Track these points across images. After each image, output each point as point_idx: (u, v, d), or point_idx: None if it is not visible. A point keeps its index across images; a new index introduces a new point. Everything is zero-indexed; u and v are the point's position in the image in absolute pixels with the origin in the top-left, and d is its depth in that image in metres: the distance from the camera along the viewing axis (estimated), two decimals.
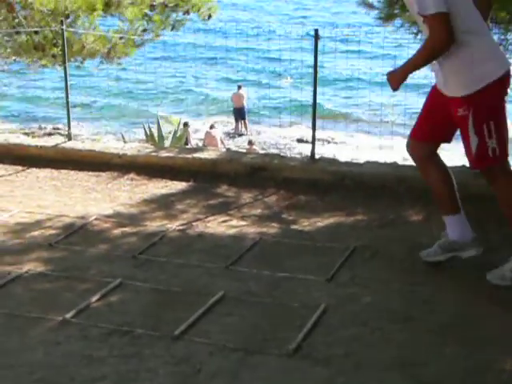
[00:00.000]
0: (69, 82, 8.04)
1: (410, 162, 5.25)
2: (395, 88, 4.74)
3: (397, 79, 4.71)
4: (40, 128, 23.96)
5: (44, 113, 27.97)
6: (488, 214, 5.58)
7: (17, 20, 9.87)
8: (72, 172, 7.00)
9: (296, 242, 5.35)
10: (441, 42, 4.39)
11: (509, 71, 4.61)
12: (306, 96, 13.36)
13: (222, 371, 3.65)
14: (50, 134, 19.75)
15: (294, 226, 5.64)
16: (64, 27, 8.19)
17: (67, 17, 9.36)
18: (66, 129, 8.07)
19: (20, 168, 7.19)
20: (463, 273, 4.81)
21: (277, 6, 62.39)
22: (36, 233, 5.60)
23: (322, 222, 5.66)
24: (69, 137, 7.84)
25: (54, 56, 10.58)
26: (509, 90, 4.66)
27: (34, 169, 7.15)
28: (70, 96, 8.04)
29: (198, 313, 4.20)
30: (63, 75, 8.15)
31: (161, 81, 27.77)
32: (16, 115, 27.28)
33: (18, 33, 10.24)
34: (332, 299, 4.38)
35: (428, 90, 5.01)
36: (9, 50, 10.67)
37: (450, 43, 4.33)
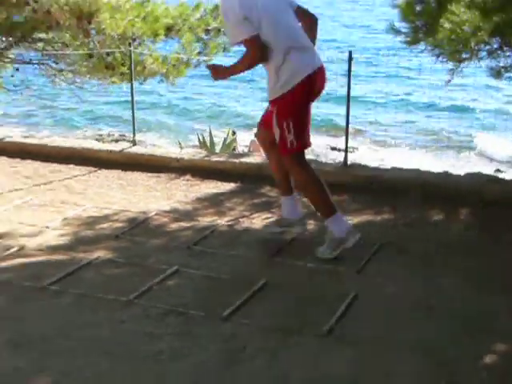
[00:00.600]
0: (134, 97, 8.04)
1: (430, 168, 5.25)
2: (215, 79, 5.22)
3: (219, 74, 5.12)
4: (108, 135, 24.14)
5: (112, 121, 28.16)
6: (499, 219, 5.53)
7: (92, 44, 9.91)
8: (136, 173, 7.01)
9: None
10: (254, 58, 4.79)
11: (311, 75, 4.77)
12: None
13: (263, 349, 3.64)
14: (117, 141, 19.86)
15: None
16: (131, 49, 8.21)
17: (134, 40, 9.37)
18: (131, 136, 8.08)
19: (92, 169, 7.21)
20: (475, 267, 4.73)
21: None
22: (105, 225, 5.62)
23: (352, 220, 5.59)
24: (134, 143, 7.86)
25: (122, 74, 10.63)
26: None
27: (104, 170, 7.17)
28: (135, 108, 8.06)
29: (244, 297, 4.18)
30: (130, 91, 8.20)
31: (212, 96, 27.99)
32: (89, 123, 27.49)
33: (91, 55, 10.30)
34: (361, 288, 4.33)
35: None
36: (84, 69, 10.73)
37: (262, 59, 4.74)
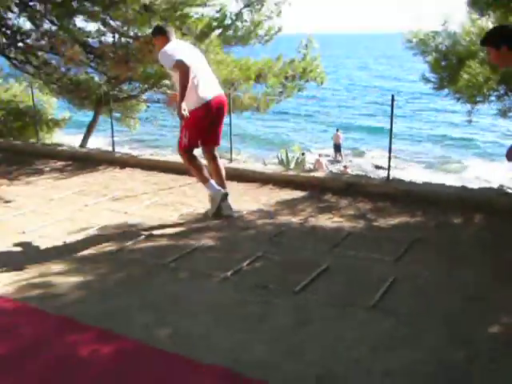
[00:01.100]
0: (232, 127, 8.08)
1: (456, 183, 5.13)
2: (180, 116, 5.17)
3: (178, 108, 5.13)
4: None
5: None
6: (507, 224, 5.34)
7: None
8: (232, 182, 6.95)
9: (375, 234, 5.20)
10: (185, 73, 4.98)
11: (208, 102, 5.32)
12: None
13: (325, 317, 3.61)
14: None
15: (375, 223, 5.48)
16: (231, 90, 8.27)
17: (232, 83, 9.45)
18: (228, 154, 8.12)
19: None
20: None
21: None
22: (209, 220, 5.63)
23: (393, 221, 5.50)
24: (230, 159, 7.89)
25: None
26: None
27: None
28: (232, 133, 8.08)
29: (310, 277, 4.15)
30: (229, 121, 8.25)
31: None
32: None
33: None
34: (399, 273, 4.24)
35: None
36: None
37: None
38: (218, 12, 11.15)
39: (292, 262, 4.51)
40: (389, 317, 3.57)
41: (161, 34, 5.48)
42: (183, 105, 5.07)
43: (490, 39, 3.80)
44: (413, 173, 19.51)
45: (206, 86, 5.36)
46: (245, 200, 6.32)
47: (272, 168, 7.71)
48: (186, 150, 5.55)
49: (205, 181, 5.60)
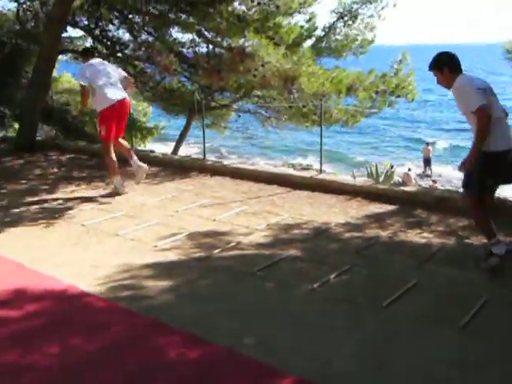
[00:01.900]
0: (323, 138, 8.06)
1: None
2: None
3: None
4: (299, 164, 24.43)
5: (300, 154, 28.50)
6: None
7: (292, 98, 10.08)
8: (321, 194, 7.01)
9: (467, 252, 5.02)
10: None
11: (112, 105, 7.04)
12: None
13: (412, 332, 3.53)
14: (305, 169, 20.04)
15: (467, 241, 5.29)
16: (322, 103, 8.26)
17: (323, 96, 9.43)
18: (315, 165, 8.09)
19: (289, 189, 7.30)
20: None
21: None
22: (296, 231, 5.64)
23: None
24: (320, 171, 7.86)
25: (313, 121, 10.73)
26: None
27: (298, 191, 7.22)
28: (323, 146, 8.06)
29: (399, 293, 4.06)
30: (319, 133, 8.23)
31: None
32: (284, 155, 27.99)
33: (292, 107, 10.48)
34: (492, 294, 4.07)
35: None
36: (286, 117, 10.96)
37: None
38: (308, 21, 11.21)
39: (380, 276, 4.43)
40: (480, 338, 3.43)
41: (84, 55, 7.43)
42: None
43: (434, 64, 4.46)
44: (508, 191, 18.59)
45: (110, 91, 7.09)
46: (333, 212, 6.27)
47: (361, 181, 7.61)
48: (104, 142, 7.27)
49: (113, 170, 7.31)
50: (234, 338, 3.49)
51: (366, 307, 3.86)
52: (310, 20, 11.25)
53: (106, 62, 7.87)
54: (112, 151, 7.20)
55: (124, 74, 7.66)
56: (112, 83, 7.14)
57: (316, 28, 11.67)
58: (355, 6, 11.51)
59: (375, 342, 3.42)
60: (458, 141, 31.56)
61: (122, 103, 7.14)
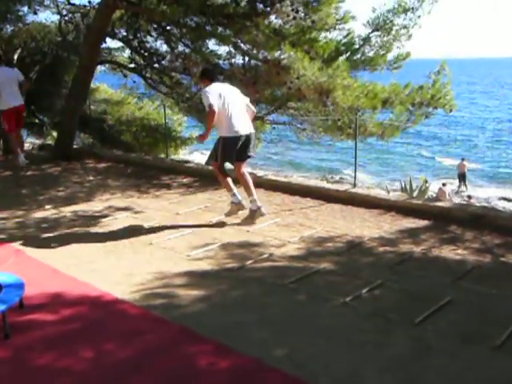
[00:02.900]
0: (358, 151, 8.06)
1: None
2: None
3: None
4: (331, 177, 24.35)
5: (334, 167, 28.40)
6: None
7: (327, 111, 10.08)
8: (354, 208, 7.00)
9: (503, 270, 4.96)
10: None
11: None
12: None
13: (447, 353, 3.51)
14: (338, 182, 19.98)
15: (503, 259, 5.22)
16: (357, 117, 8.25)
17: (358, 110, 9.41)
18: (348, 178, 8.09)
19: (323, 202, 7.29)
20: None
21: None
22: (330, 244, 5.65)
23: None
24: (354, 185, 7.84)
25: (348, 134, 10.70)
26: None
27: (331, 204, 7.22)
28: (357, 159, 8.06)
29: (432, 309, 4.03)
30: (354, 146, 8.23)
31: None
32: (318, 169, 27.92)
33: (327, 120, 10.48)
34: None
35: None
36: (321, 129, 10.95)
37: None
38: (345, 37, 11.22)
39: (413, 292, 4.40)
40: None
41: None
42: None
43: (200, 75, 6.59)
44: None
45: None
46: (367, 226, 6.25)
47: (395, 195, 7.57)
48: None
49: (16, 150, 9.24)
50: (264, 349, 3.52)
51: (398, 323, 3.85)
52: (347, 35, 11.25)
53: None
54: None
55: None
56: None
57: (354, 43, 11.68)
58: (390, 16, 11.47)
59: (406, 359, 3.40)
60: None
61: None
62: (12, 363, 3.47)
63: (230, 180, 6.44)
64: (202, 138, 6.22)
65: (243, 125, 6.23)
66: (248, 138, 6.23)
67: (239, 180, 6.44)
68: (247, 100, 6.54)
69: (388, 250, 5.47)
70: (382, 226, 6.24)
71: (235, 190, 6.41)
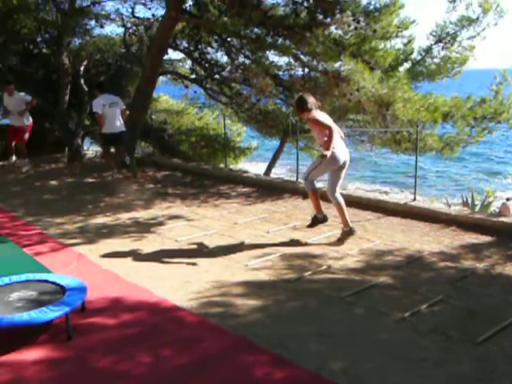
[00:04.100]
0: (418, 163, 7.93)
1: None
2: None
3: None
4: (390, 190, 23.98)
5: (393, 179, 27.95)
6: None
7: (386, 123, 9.97)
8: (414, 221, 6.88)
9: None
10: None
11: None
12: None
13: (510, 374, 3.35)
14: (397, 194, 19.65)
15: None
16: (418, 130, 8.13)
17: (418, 124, 9.27)
18: (407, 192, 7.95)
19: (381, 215, 7.21)
20: None
21: None
22: (389, 257, 5.57)
23: None
24: (414, 198, 7.70)
25: (406, 148, 10.55)
26: None
27: (390, 217, 7.13)
28: (417, 172, 7.92)
29: (496, 328, 3.90)
30: (414, 159, 8.10)
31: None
32: (376, 181, 27.54)
33: (386, 132, 10.37)
34: None
35: None
36: (379, 142, 10.83)
37: None
38: (405, 45, 11.08)
39: (475, 310, 4.28)
40: None
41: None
42: None
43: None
44: None
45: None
46: (426, 240, 6.13)
47: (456, 209, 7.40)
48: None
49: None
50: (321, 362, 3.49)
51: (459, 341, 3.74)
52: (408, 43, 11.12)
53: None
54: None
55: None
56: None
57: (413, 51, 11.52)
58: (455, 28, 11.26)
59: (468, 379, 3.30)
60: None
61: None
62: (74, 363, 3.56)
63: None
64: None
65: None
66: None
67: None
68: None
69: (449, 265, 5.34)
70: (442, 241, 6.11)
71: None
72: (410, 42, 11.13)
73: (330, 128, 5.87)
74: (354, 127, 11.10)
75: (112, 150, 9.89)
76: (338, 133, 6.09)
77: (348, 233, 6.07)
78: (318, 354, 3.59)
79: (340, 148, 6.06)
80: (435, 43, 11.23)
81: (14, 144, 10.82)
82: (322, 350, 3.65)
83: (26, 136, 10.68)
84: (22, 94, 10.50)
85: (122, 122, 9.31)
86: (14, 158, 10.91)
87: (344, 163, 6.10)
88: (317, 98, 9.57)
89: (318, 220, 6.37)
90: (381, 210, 7.37)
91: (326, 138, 5.86)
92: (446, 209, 7.35)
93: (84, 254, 5.69)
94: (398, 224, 6.82)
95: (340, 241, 6.05)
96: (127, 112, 9.59)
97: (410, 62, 11.46)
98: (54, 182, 9.84)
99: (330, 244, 5.99)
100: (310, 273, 5.07)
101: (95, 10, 12.45)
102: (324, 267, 5.23)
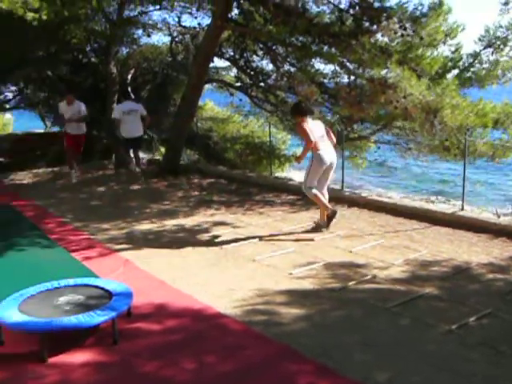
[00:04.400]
0: (467, 173, 7.78)
1: None
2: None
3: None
4: (436, 199, 23.57)
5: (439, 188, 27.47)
6: None
7: (434, 131, 9.82)
8: (462, 231, 6.75)
9: None
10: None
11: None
12: None
13: None
14: (444, 204, 19.30)
15: None
16: (466, 137, 7.98)
17: (467, 130, 9.10)
18: (454, 201, 7.80)
19: (428, 225, 7.11)
20: None
21: None
22: (435, 268, 5.47)
23: None
24: (462, 207, 7.56)
25: (454, 155, 10.37)
26: None
27: (437, 226, 7.01)
28: (466, 180, 7.78)
29: None
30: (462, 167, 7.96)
31: None
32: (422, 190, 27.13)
33: (433, 139, 10.22)
34: None
35: None
36: (427, 149, 10.69)
37: None
38: (453, 52, 10.91)
39: None
40: None
41: None
42: None
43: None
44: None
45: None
46: (475, 251, 6.00)
47: (507, 219, 7.21)
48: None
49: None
50: (366, 372, 3.46)
51: (510, 356, 3.64)
52: (455, 51, 10.94)
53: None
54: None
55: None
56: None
57: (461, 58, 11.34)
58: (505, 32, 11.02)
59: None
60: None
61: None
62: (120, 368, 3.63)
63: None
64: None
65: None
66: None
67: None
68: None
69: (498, 277, 5.22)
70: (491, 252, 5.97)
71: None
72: (457, 49, 10.96)
73: (308, 141, 6.58)
74: (401, 135, 10.99)
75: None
76: (323, 138, 6.78)
77: (332, 213, 6.80)
78: (363, 364, 3.56)
79: (326, 150, 6.73)
80: (484, 48, 11.02)
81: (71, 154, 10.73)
82: (367, 360, 3.62)
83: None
84: (81, 103, 10.72)
85: (141, 127, 10.43)
86: (73, 171, 10.74)
87: (331, 164, 6.79)
88: (363, 105, 9.58)
89: (331, 218, 6.85)
90: (427, 219, 7.26)
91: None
92: (496, 219, 7.17)
93: (130, 260, 5.79)
94: (445, 234, 6.70)
95: (321, 223, 6.84)
96: (149, 118, 10.64)
97: (457, 68, 11.28)
98: (101, 189, 10.06)
99: (376, 253, 5.93)
100: (354, 282, 5.03)
101: (142, 20, 12.70)
102: (369, 277, 5.18)
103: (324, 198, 6.86)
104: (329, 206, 6.87)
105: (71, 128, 10.57)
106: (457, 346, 3.81)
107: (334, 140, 7.03)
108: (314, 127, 6.77)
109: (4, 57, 11.22)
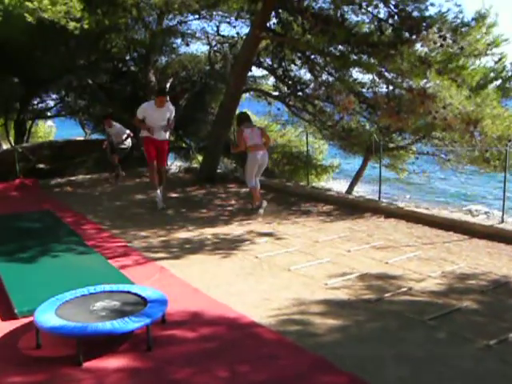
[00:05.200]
0: (507, 185, 7.65)
1: None
2: None
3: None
4: (476, 211, 23.16)
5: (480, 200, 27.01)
6: None
7: (474, 142, 9.68)
8: (501, 244, 6.62)
9: None
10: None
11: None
12: None
13: None
14: (483, 216, 18.98)
15: None
16: (507, 148, 7.85)
17: (509, 140, 8.93)
18: (493, 213, 7.66)
19: (466, 237, 6.99)
20: None
21: None
22: (473, 281, 5.37)
23: None
24: (502, 220, 7.41)
25: (495, 166, 10.20)
26: None
27: (475, 239, 6.89)
28: (506, 193, 7.64)
29: None
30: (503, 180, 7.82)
31: None
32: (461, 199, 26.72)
33: (473, 150, 10.09)
34: None
35: None
36: (466, 160, 10.56)
37: None
38: (496, 63, 10.74)
39: None
40: None
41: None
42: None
43: None
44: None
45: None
46: None
47: None
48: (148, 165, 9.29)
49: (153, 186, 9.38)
50: None
51: None
52: (499, 61, 10.77)
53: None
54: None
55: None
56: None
57: (504, 68, 11.14)
58: None
59: None
60: None
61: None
62: (153, 374, 3.66)
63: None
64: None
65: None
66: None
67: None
68: None
69: None
70: None
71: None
72: (501, 59, 10.78)
73: (239, 146, 8.42)
74: (439, 146, 10.86)
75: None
76: (254, 140, 8.28)
77: (256, 207, 8.34)
78: (398, 379, 3.52)
79: (258, 151, 8.27)
80: None
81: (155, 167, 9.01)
82: (402, 375, 3.57)
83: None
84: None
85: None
86: (158, 191, 9.01)
87: (262, 161, 8.39)
88: (401, 115, 9.51)
89: (255, 209, 8.36)
90: (466, 231, 7.14)
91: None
92: None
93: (166, 267, 5.84)
94: (483, 246, 6.58)
95: (254, 207, 8.41)
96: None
97: (500, 79, 11.10)
98: (139, 196, 10.19)
99: (412, 265, 5.86)
100: (390, 294, 4.98)
101: (181, 29, 12.88)
102: (404, 289, 5.12)
103: (258, 193, 8.54)
104: (257, 202, 8.39)
105: (158, 133, 8.87)
106: (496, 362, 3.73)
107: (271, 142, 8.54)
108: (251, 137, 8.30)
109: (46, 66, 11.50)
